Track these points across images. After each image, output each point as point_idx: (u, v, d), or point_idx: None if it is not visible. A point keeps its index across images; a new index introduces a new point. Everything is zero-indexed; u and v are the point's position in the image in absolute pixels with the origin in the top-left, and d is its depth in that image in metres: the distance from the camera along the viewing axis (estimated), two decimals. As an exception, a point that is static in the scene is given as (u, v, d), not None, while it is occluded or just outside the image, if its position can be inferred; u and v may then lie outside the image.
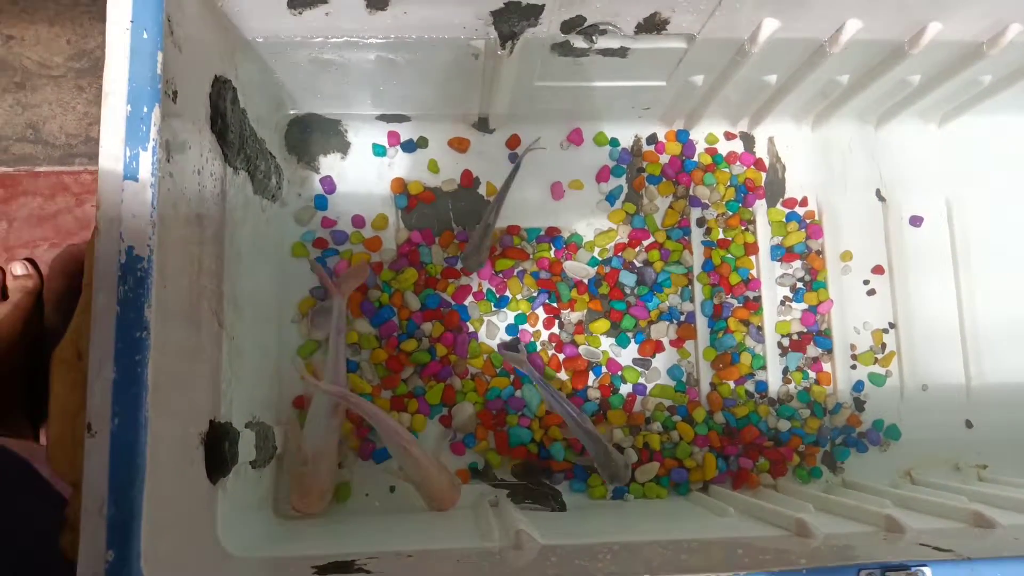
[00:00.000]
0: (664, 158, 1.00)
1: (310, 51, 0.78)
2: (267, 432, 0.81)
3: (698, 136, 1.01)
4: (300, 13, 0.70)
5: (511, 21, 0.72)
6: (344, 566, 0.60)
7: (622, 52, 0.81)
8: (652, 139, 1.01)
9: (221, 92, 0.70)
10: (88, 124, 1.13)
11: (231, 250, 0.73)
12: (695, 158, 1.00)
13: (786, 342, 0.97)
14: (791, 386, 0.96)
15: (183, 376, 0.59)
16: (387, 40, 0.76)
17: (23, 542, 0.57)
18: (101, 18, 0.55)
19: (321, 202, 0.96)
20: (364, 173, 0.97)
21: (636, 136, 1.01)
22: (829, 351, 0.97)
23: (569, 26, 0.75)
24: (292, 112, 0.94)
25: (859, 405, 0.96)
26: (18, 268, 1.05)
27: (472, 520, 0.83)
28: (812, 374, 0.96)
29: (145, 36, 0.55)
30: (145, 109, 0.55)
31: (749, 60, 0.80)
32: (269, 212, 0.88)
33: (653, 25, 0.75)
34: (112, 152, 0.54)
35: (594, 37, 0.78)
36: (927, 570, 0.53)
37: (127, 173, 0.53)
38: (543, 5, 0.70)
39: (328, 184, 0.96)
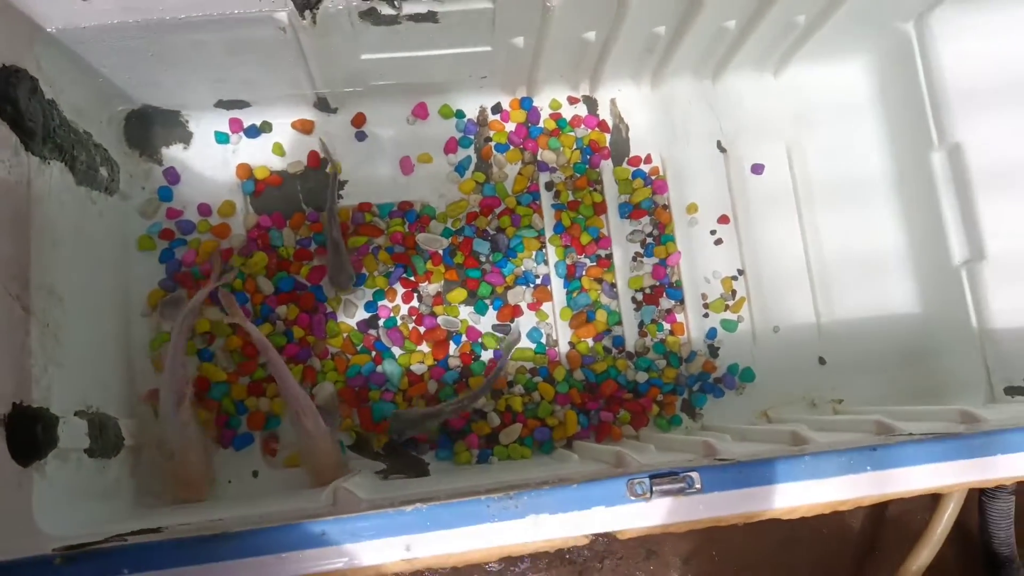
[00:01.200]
0: (510, 126, 1.02)
1: (114, 37, 0.78)
2: (106, 422, 0.81)
3: (542, 103, 1.02)
4: (86, -4, 0.71)
5: (300, -12, 0.73)
6: (146, 532, 0.60)
7: (432, 16, 0.82)
8: (497, 108, 1.02)
9: (11, 81, 0.70)
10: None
11: (42, 238, 0.72)
12: (540, 124, 1.02)
13: (640, 296, 0.99)
14: (647, 339, 0.98)
15: (-40, 356, 0.58)
16: (188, 18, 0.76)
17: None
18: None
19: (165, 193, 0.96)
20: (208, 161, 0.97)
21: (481, 106, 1.02)
22: (681, 302, 0.99)
23: (366, -10, 0.76)
24: (122, 107, 0.93)
25: (713, 352, 0.98)
26: None
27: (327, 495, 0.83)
28: (667, 325, 0.98)
29: None
30: None
31: (555, 16, 0.82)
32: (102, 204, 0.87)
33: (448, -16, 0.77)
34: None
35: (396, 2, 0.79)
36: (695, 475, 0.54)
37: None
38: (326, -31, 0.72)
39: (172, 175, 0.96)
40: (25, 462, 0.65)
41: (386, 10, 0.80)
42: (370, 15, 0.81)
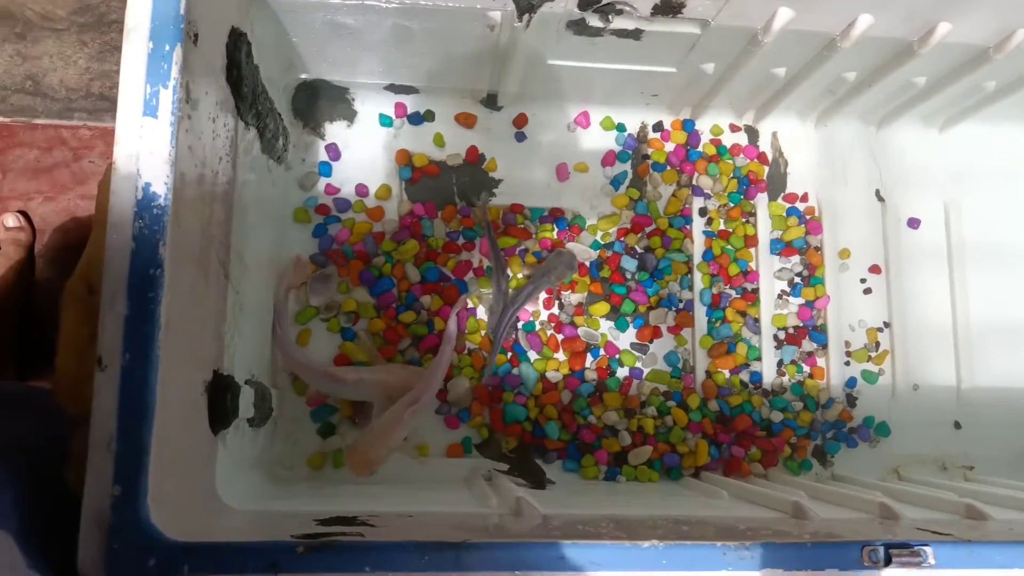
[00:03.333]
0: (669, 146, 1.01)
1: (326, 13, 0.77)
2: (265, 392, 0.81)
3: (703, 127, 1.01)
4: (321, -30, 0.70)
5: (532, -8, 0.72)
6: (346, 520, 0.60)
7: (636, 34, 0.81)
8: (658, 127, 1.01)
9: (237, 44, 0.69)
10: (89, 79, 1.11)
11: (239, 205, 0.72)
12: (699, 148, 1.01)
13: (782, 335, 0.98)
14: (785, 378, 0.97)
15: (191, 321, 0.58)
16: (404, 5, 0.75)
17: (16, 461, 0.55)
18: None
19: (325, 169, 0.95)
20: (369, 143, 0.96)
21: (642, 123, 1.01)
22: (824, 346, 0.98)
23: (587, 3, 0.75)
24: (302, 76, 0.93)
25: (851, 401, 0.97)
26: (10, 220, 1.03)
27: (465, 491, 0.82)
28: (806, 368, 0.97)
29: (173, -26, 0.55)
30: (167, 47, 0.54)
31: (761, 50, 0.81)
32: (275, 174, 0.87)
33: (670, 7, 0.76)
34: (133, 88, 0.53)
35: (610, 16, 0.78)
36: (928, 549, 0.54)
37: (147, 110, 0.53)
38: (565, -23, 0.71)
39: (333, 151, 0.95)
40: (216, 430, 0.65)
41: (595, 23, 0.79)
42: (577, 25, 0.80)
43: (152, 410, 0.49)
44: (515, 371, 0.94)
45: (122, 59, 0.53)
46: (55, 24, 1.11)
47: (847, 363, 0.98)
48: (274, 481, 0.85)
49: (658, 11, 0.77)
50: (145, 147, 0.52)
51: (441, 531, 0.57)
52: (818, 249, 1.00)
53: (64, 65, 1.11)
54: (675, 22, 0.79)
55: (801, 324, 0.98)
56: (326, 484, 0.86)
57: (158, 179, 0.52)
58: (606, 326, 0.97)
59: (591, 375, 0.95)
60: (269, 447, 0.86)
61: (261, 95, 0.77)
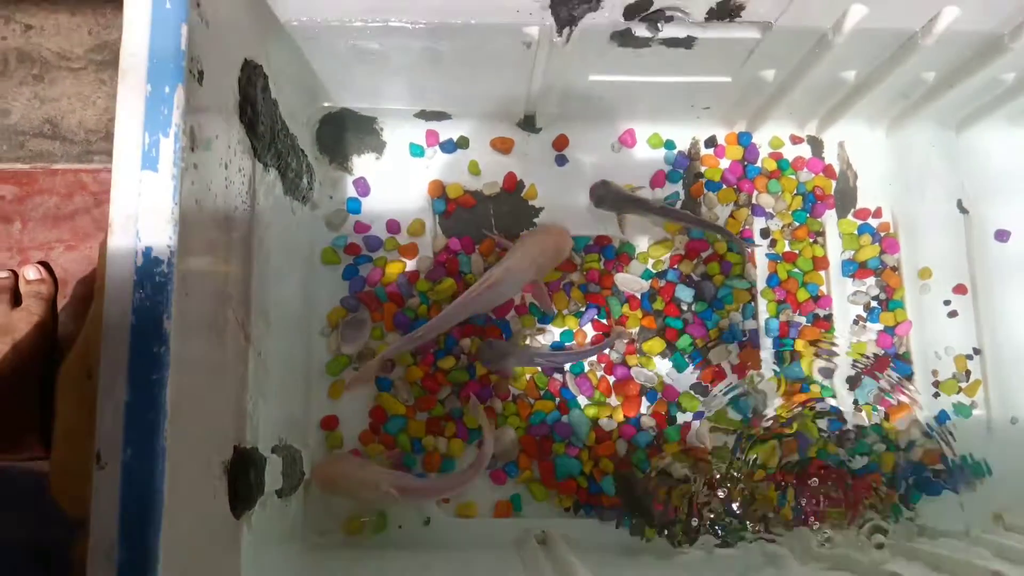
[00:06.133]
0: (724, 163, 0.92)
1: (349, 37, 0.71)
2: (295, 456, 0.74)
3: (761, 139, 0.93)
4: (341, -8, 0.64)
5: (571, 4, 0.65)
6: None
7: (688, 42, 0.73)
8: (711, 142, 0.93)
9: (251, 78, 0.63)
10: (108, 119, 1.07)
11: (261, 256, 0.65)
12: (758, 163, 0.92)
13: (859, 367, 0.88)
14: (863, 414, 0.87)
15: (205, 397, 0.51)
16: (432, 25, 0.68)
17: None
18: (123, 8, 0.48)
19: (354, 205, 0.89)
20: (400, 175, 0.90)
21: (694, 138, 0.93)
22: (909, 377, 0.88)
23: (634, 11, 0.68)
24: (326, 105, 0.87)
25: (943, 438, 0.87)
26: (31, 272, 0.99)
27: (517, 559, 0.75)
28: (892, 400, 0.88)
29: (168, 6, 0.48)
30: (167, 89, 0.48)
31: (830, 53, 0.73)
32: (299, 215, 0.81)
33: (727, 11, 0.68)
34: (130, 138, 0.46)
35: (660, 24, 0.70)
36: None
37: (146, 162, 0.46)
38: (610, -15, 0.63)
39: (362, 186, 0.89)
40: (239, 513, 0.58)
41: (642, 32, 0.71)
42: (622, 36, 0.72)
43: (159, 511, 0.42)
44: (564, 419, 0.86)
45: (117, 106, 0.47)
46: (72, 63, 1.07)
47: (936, 395, 0.88)
48: (309, 549, 0.78)
49: (713, 15, 0.69)
50: (145, 205, 0.46)
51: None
52: (895, 269, 0.90)
53: (83, 106, 1.06)
54: (732, 27, 0.71)
55: (882, 352, 0.88)
56: (365, 552, 0.79)
57: (160, 242, 0.46)
58: (662, 366, 0.88)
59: (648, 422, 0.87)
60: (301, 513, 0.79)
61: (281, 132, 0.71)
